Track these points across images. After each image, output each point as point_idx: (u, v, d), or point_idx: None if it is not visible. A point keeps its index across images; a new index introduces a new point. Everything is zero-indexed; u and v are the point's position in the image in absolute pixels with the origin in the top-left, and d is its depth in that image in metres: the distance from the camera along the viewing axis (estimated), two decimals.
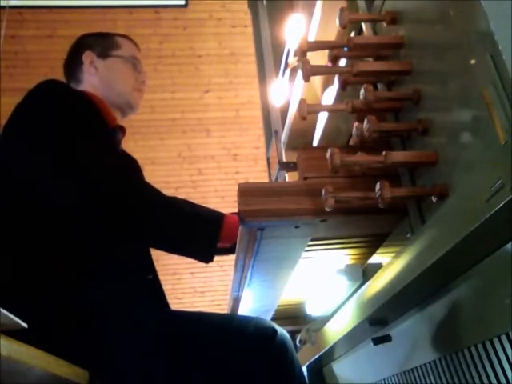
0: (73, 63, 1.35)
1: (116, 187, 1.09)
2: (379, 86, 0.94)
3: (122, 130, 1.33)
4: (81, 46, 1.36)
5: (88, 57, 1.32)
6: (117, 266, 1.11)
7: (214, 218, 1.23)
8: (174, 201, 1.23)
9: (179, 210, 1.19)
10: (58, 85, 1.20)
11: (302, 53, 0.87)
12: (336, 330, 1.14)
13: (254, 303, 1.29)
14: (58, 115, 1.12)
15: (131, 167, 1.31)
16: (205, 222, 1.21)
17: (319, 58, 1.04)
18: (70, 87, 1.30)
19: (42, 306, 1.00)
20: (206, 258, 1.24)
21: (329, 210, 0.79)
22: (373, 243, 1.03)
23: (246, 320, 1.12)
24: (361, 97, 0.82)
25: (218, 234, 1.20)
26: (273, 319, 1.44)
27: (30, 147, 1.11)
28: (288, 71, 1.84)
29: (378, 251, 1.02)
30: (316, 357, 1.40)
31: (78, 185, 1.07)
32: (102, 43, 1.35)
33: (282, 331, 1.08)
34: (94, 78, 1.31)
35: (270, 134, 2.11)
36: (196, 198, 4.95)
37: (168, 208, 1.18)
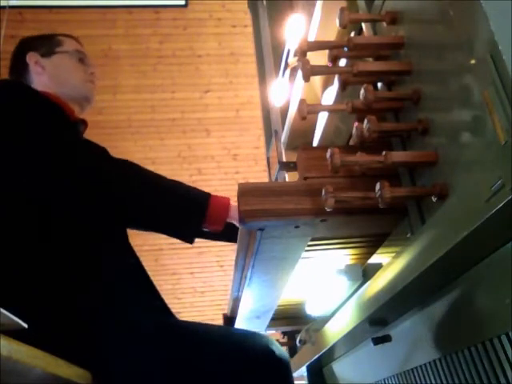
0: (18, 66, 1.35)
1: (95, 173, 1.12)
2: (379, 85, 0.94)
3: (84, 122, 1.33)
4: (23, 48, 1.36)
5: (32, 57, 1.32)
6: (118, 267, 1.11)
7: (200, 198, 1.24)
8: (158, 179, 1.24)
9: (163, 187, 1.21)
10: (16, 83, 1.23)
11: (302, 53, 0.87)
12: (336, 330, 1.14)
13: (254, 303, 1.29)
14: (23, 111, 1.14)
15: (103, 152, 1.31)
16: (191, 200, 1.22)
17: (319, 58, 1.04)
18: (27, 85, 1.29)
19: (42, 306, 1.00)
20: (189, 236, 1.24)
21: (329, 210, 0.79)
22: (373, 243, 1.03)
23: (244, 335, 1.11)
24: (361, 97, 0.82)
25: (204, 214, 1.20)
26: (273, 319, 1.44)
27: (5, 146, 1.11)
28: (288, 71, 1.84)
29: (378, 251, 1.02)
30: (316, 357, 1.40)
31: (56, 179, 1.09)
32: (44, 43, 1.36)
33: (281, 350, 1.05)
34: (42, 78, 1.31)
35: (270, 134, 2.11)
36: None
37: (152, 186, 1.20)
